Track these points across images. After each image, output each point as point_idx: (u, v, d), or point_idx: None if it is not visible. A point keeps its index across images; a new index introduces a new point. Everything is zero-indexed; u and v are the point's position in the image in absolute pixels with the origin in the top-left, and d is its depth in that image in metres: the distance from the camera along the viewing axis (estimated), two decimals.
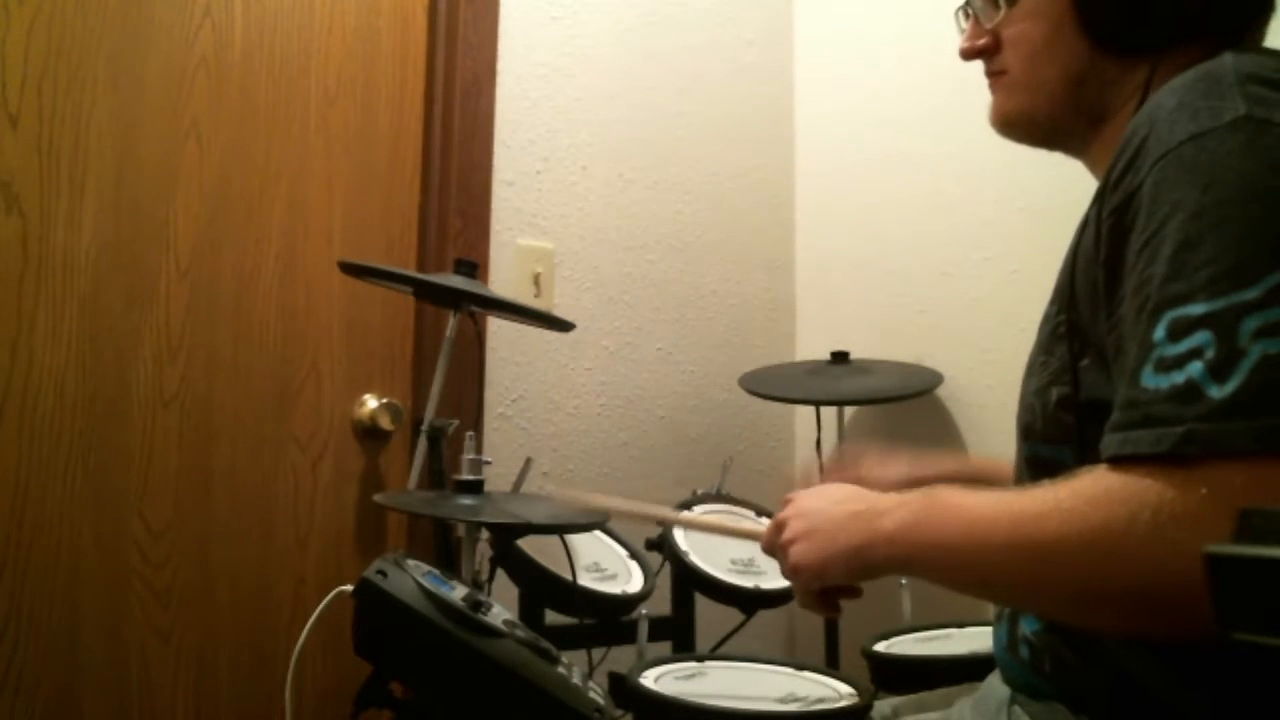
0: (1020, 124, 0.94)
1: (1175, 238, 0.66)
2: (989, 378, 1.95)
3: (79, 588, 1.42)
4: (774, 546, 0.94)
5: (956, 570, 0.76)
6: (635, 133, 2.07)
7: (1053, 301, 0.85)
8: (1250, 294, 0.62)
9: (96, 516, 1.44)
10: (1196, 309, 0.64)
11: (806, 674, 1.25)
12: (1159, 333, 0.65)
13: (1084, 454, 0.74)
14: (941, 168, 2.06)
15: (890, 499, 0.83)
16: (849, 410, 2.08)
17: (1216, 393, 0.61)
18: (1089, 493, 0.66)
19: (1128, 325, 0.70)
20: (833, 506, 0.87)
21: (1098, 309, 0.75)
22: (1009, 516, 0.71)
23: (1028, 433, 0.85)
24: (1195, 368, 0.63)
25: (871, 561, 0.82)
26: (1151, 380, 0.65)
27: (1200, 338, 0.63)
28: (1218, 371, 0.62)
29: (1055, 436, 0.80)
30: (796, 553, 0.88)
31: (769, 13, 2.34)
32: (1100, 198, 0.75)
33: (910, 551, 0.79)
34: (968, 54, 0.96)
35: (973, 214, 2.00)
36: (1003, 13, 0.92)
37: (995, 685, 0.90)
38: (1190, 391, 0.63)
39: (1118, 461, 0.66)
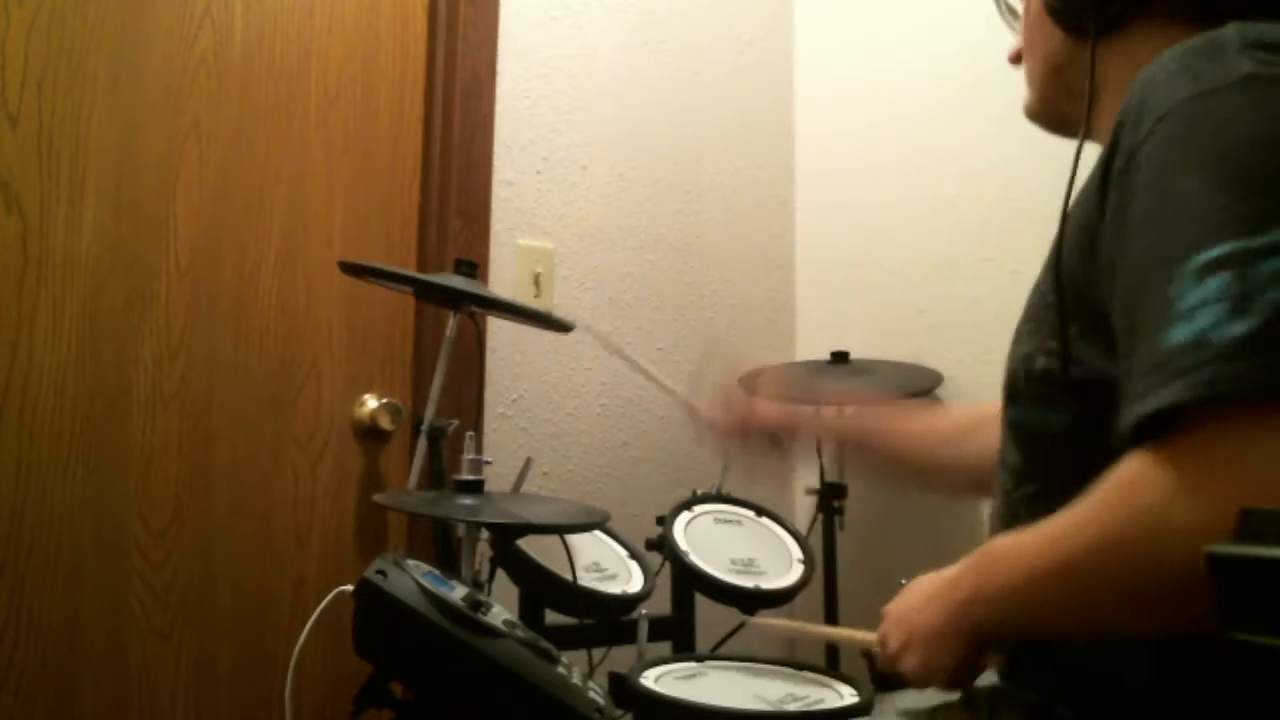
0: (1034, 116, 1.00)
1: (1184, 195, 0.65)
2: (989, 378, 1.93)
3: (79, 588, 1.42)
4: (887, 659, 0.94)
5: (1028, 609, 0.74)
6: (635, 133, 2.07)
7: (1044, 272, 0.85)
8: (1260, 240, 0.61)
9: (96, 516, 1.44)
10: (1213, 253, 0.62)
11: (806, 674, 1.25)
12: (1173, 289, 0.64)
13: (1075, 420, 0.77)
14: (941, 168, 2.05)
15: (954, 569, 0.82)
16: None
17: (1236, 330, 0.60)
18: (1098, 495, 0.66)
19: (1137, 286, 0.68)
20: (917, 603, 0.87)
21: (1097, 275, 0.74)
22: (1043, 542, 0.70)
23: (1012, 396, 0.87)
24: (1211, 314, 0.61)
25: (962, 633, 0.81)
26: (1170, 337, 0.63)
27: (1214, 285, 0.62)
28: (1232, 315, 0.60)
29: (1038, 400, 0.82)
30: (906, 667, 0.89)
31: (769, 13, 2.34)
32: (1103, 164, 0.74)
33: (990, 610, 0.78)
34: (1012, 58, 1.02)
35: (973, 214, 2.00)
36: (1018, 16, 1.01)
37: (992, 683, 0.90)
38: (1202, 341, 0.61)
39: (1139, 431, 0.64)
